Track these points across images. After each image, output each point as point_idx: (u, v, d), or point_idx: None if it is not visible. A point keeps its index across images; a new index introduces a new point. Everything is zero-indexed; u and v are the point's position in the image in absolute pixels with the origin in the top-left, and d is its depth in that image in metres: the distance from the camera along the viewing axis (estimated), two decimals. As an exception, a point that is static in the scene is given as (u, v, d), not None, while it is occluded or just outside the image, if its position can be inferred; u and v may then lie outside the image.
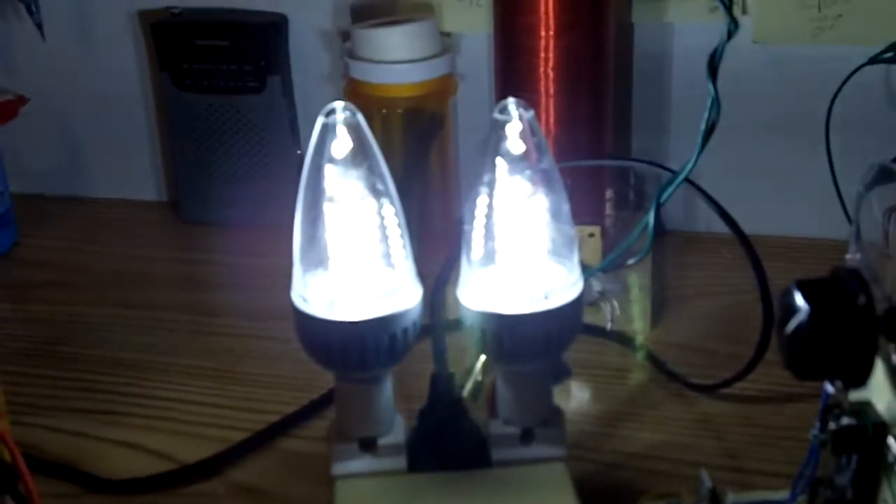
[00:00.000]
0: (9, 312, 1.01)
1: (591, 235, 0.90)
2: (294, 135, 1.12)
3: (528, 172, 0.60)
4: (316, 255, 0.60)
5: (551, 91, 0.92)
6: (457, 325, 0.63)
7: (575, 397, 0.84)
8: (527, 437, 0.64)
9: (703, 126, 0.73)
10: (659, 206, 0.77)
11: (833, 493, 0.54)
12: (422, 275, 0.63)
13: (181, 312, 0.99)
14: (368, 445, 0.63)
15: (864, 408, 0.53)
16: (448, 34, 1.06)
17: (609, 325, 0.89)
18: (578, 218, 0.69)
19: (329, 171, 0.59)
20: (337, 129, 0.59)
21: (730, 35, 0.71)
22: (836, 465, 0.54)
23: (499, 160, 0.60)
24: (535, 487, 0.63)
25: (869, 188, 0.60)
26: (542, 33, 0.90)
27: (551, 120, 0.93)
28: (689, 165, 0.75)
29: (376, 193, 0.60)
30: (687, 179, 0.78)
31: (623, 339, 0.89)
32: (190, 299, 1.01)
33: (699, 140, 0.74)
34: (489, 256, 0.61)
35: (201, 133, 1.13)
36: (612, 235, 0.95)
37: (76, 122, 1.22)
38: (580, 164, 0.90)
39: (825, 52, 1.00)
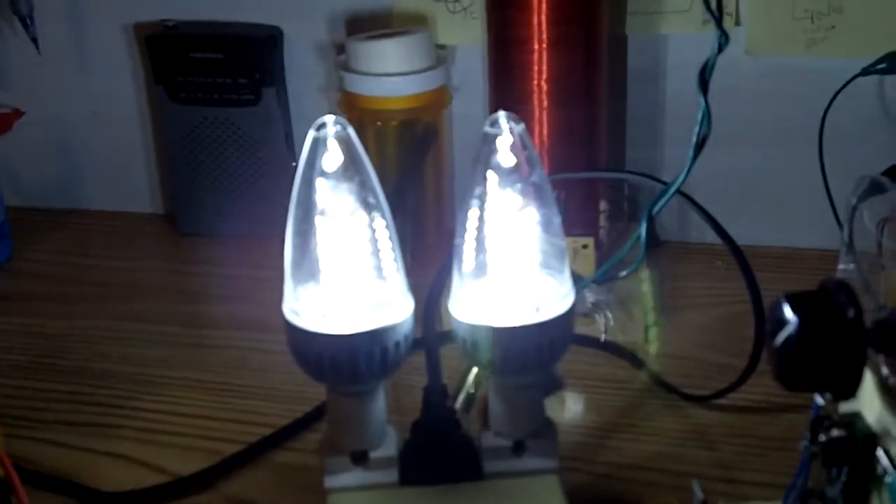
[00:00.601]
0: (4, 325, 1.01)
1: (585, 247, 0.90)
2: (289, 147, 1.12)
3: (518, 185, 0.60)
4: (307, 269, 0.60)
5: (544, 103, 0.92)
6: (449, 337, 0.63)
7: (568, 408, 0.84)
8: (519, 449, 0.64)
9: (694, 139, 0.73)
10: (651, 219, 0.77)
11: (824, 505, 0.55)
12: (416, 286, 0.63)
13: (177, 325, 0.99)
14: (360, 458, 0.63)
15: (854, 419, 0.53)
16: (442, 47, 1.07)
17: (603, 337, 0.89)
18: (572, 229, 0.69)
19: (320, 184, 0.59)
20: (328, 143, 0.59)
21: (721, 48, 0.71)
22: (826, 476, 0.54)
23: (490, 173, 0.60)
24: (527, 499, 0.63)
25: (861, 200, 0.61)
26: (535, 46, 0.91)
27: (545, 132, 0.93)
28: (681, 178, 0.75)
29: (367, 207, 0.60)
30: (679, 191, 0.78)
31: (617, 350, 0.90)
32: (186, 311, 1.01)
33: (690, 153, 0.74)
34: (480, 269, 0.61)
35: (197, 145, 1.13)
36: (605, 247, 0.95)
37: (72, 135, 1.22)
38: (572, 176, 0.90)
39: (818, 64, 1.00)
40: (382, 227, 0.60)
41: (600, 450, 0.79)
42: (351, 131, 0.59)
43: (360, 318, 0.59)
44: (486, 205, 0.60)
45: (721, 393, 0.82)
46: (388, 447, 0.64)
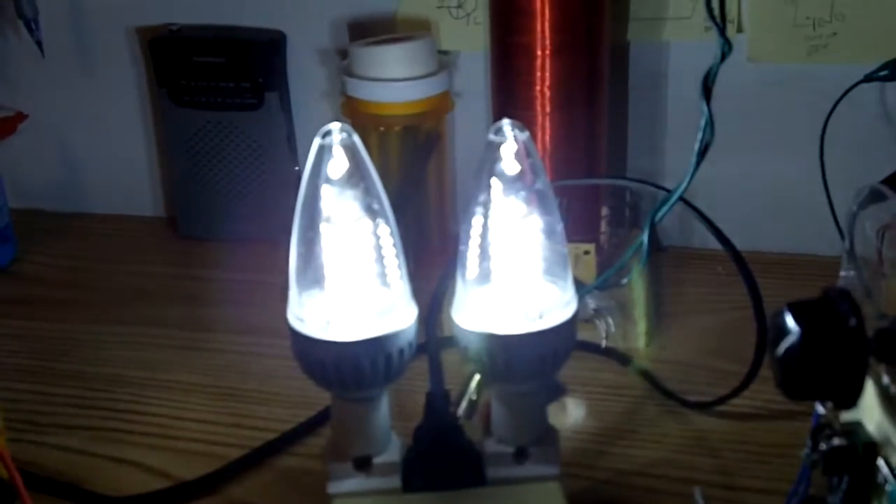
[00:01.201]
0: (7, 328, 1.01)
1: (587, 253, 0.90)
2: (292, 151, 1.13)
3: (522, 193, 0.60)
4: (312, 276, 0.61)
5: (547, 109, 0.92)
6: (452, 343, 0.63)
7: (570, 414, 0.84)
8: (521, 455, 0.64)
9: (696, 146, 0.74)
10: (653, 226, 0.77)
11: (825, 513, 0.55)
12: (418, 292, 0.63)
13: (179, 329, 0.99)
14: (363, 464, 0.63)
15: (855, 428, 0.53)
16: (445, 52, 1.07)
17: (604, 343, 0.90)
18: (573, 236, 0.69)
19: (326, 191, 0.60)
20: (333, 150, 0.59)
21: (723, 56, 0.71)
22: (827, 485, 0.54)
23: (493, 181, 0.60)
24: (529, 507, 0.63)
25: (861, 207, 0.61)
26: (538, 53, 0.91)
27: (547, 138, 0.93)
28: (683, 186, 0.76)
29: (372, 213, 0.60)
30: (681, 198, 0.78)
31: (618, 356, 0.90)
32: (188, 315, 1.01)
33: (693, 160, 0.74)
34: (484, 276, 0.62)
35: (199, 149, 1.14)
36: (607, 253, 0.96)
37: (75, 139, 1.23)
38: (574, 183, 0.91)
39: (820, 71, 1.01)
40: (387, 233, 0.61)
41: (602, 456, 0.79)
42: (356, 138, 0.59)
43: (364, 325, 0.59)
44: (490, 212, 0.61)
45: (722, 399, 0.82)
46: (392, 453, 0.64)
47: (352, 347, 0.59)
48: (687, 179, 0.76)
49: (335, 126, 0.59)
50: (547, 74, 0.92)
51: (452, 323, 0.62)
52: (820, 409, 0.53)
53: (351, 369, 0.59)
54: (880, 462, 0.52)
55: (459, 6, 1.06)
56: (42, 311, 1.04)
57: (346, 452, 0.64)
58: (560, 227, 0.62)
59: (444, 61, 1.05)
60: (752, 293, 0.77)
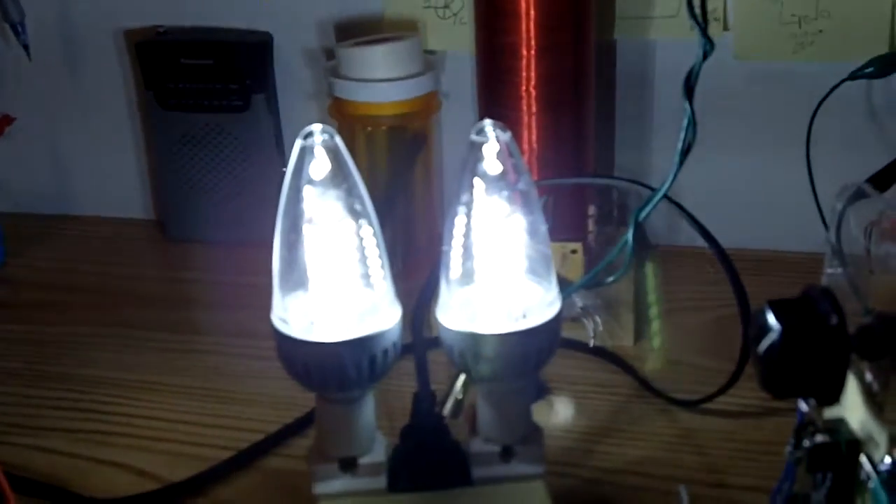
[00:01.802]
0: (-5, 331, 1.01)
1: (574, 252, 0.90)
2: (279, 153, 1.13)
3: (505, 193, 0.60)
4: (295, 277, 0.60)
5: (533, 109, 0.92)
6: (438, 343, 0.63)
7: (557, 413, 0.84)
8: (507, 454, 0.64)
9: (679, 145, 0.74)
10: (638, 225, 0.77)
11: (809, 510, 0.55)
12: (405, 293, 0.63)
13: (167, 331, 0.99)
14: (348, 465, 0.63)
15: (838, 425, 0.53)
16: (432, 52, 1.07)
17: (591, 342, 0.90)
18: (561, 235, 0.69)
19: (308, 192, 0.60)
20: (315, 151, 0.59)
21: (706, 55, 0.71)
22: (811, 481, 0.54)
23: (476, 180, 0.60)
24: (514, 505, 0.63)
25: (847, 205, 0.61)
26: (524, 52, 0.91)
27: (533, 138, 0.93)
28: (667, 184, 0.76)
29: (355, 214, 0.60)
30: (667, 197, 0.78)
31: (605, 355, 0.90)
32: (176, 317, 1.01)
33: (676, 159, 0.74)
34: (467, 276, 0.62)
35: (187, 151, 1.14)
36: (594, 252, 0.96)
37: (62, 142, 1.22)
38: (561, 182, 0.91)
39: (806, 68, 1.01)
40: (370, 234, 0.60)
41: (588, 454, 0.79)
42: (338, 139, 0.59)
43: (347, 326, 0.59)
44: (473, 212, 0.61)
45: (709, 397, 0.82)
46: (377, 453, 0.64)
47: (335, 348, 0.59)
48: (670, 178, 0.76)
49: (316, 127, 0.59)
50: (533, 74, 0.92)
51: (438, 323, 0.62)
52: (803, 406, 0.54)
53: (335, 370, 0.59)
54: (863, 459, 0.52)
55: (446, 6, 1.06)
56: (30, 315, 1.04)
57: (331, 453, 0.64)
58: (543, 226, 0.62)
59: (430, 61, 1.05)
60: (737, 291, 0.77)
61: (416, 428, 0.65)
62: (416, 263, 0.98)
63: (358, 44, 1.02)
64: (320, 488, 0.64)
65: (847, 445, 0.52)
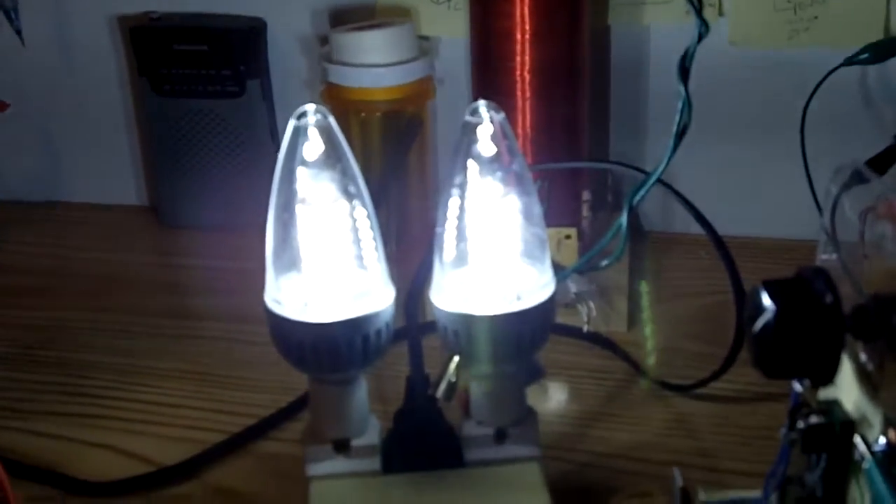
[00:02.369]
0: (-11, 317, 1.01)
1: (568, 237, 0.90)
2: (274, 138, 1.12)
3: (499, 174, 0.60)
4: (289, 258, 0.60)
5: (527, 94, 0.92)
6: (432, 327, 0.63)
7: (551, 398, 0.84)
8: (500, 437, 0.64)
9: (674, 128, 0.74)
10: (632, 209, 0.77)
11: (803, 491, 0.55)
12: (400, 276, 0.63)
13: (161, 316, 0.99)
14: (342, 447, 0.63)
15: (832, 406, 0.53)
16: (426, 38, 1.07)
17: (585, 327, 0.90)
18: (555, 220, 0.69)
19: (301, 173, 0.60)
20: (308, 132, 0.59)
21: (700, 38, 0.71)
22: (805, 463, 0.54)
23: (470, 162, 0.60)
24: (508, 487, 0.63)
25: (843, 189, 0.60)
26: (518, 37, 0.91)
27: (528, 123, 0.93)
28: (661, 167, 0.76)
29: (348, 195, 0.60)
30: (661, 181, 0.78)
31: (599, 340, 0.90)
32: (170, 303, 1.01)
33: (671, 142, 0.74)
34: (461, 258, 0.62)
35: (181, 137, 1.13)
36: (589, 237, 0.96)
37: (56, 127, 1.22)
38: (556, 166, 0.91)
39: (801, 54, 1.01)
40: (363, 216, 0.60)
41: (582, 438, 0.79)
42: (332, 120, 0.59)
43: (341, 307, 0.59)
44: (467, 194, 0.61)
45: (703, 382, 0.82)
46: (371, 435, 0.64)
47: (329, 328, 0.59)
48: (664, 162, 0.76)
49: (310, 107, 0.59)
50: (527, 59, 0.92)
51: (431, 304, 0.62)
52: (797, 386, 0.53)
53: (328, 350, 0.59)
54: (857, 440, 0.52)
55: (440, -8, 1.06)
56: (24, 300, 1.04)
57: (325, 435, 0.64)
58: (537, 208, 0.62)
59: (424, 47, 1.04)
60: (732, 276, 0.77)
61: (410, 411, 0.65)
62: (410, 248, 0.97)
63: (352, 29, 1.02)
64: (313, 469, 0.64)
65: (841, 426, 0.52)
